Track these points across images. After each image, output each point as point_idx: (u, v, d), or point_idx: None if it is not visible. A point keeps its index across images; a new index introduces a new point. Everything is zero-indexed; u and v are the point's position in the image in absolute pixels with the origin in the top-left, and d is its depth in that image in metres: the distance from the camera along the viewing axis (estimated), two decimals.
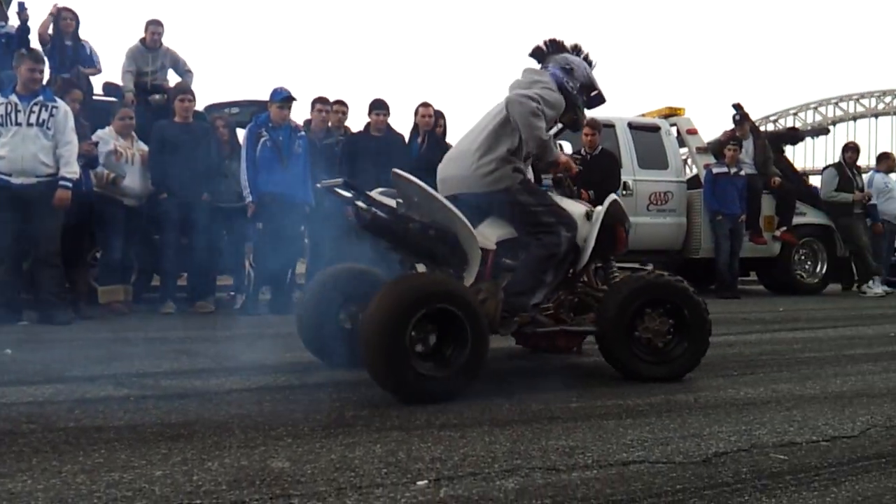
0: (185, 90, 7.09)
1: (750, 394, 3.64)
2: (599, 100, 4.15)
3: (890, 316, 7.39)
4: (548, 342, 4.11)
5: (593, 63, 4.14)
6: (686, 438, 2.83)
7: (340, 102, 7.83)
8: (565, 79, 3.99)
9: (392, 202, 3.67)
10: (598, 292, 4.09)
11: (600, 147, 8.54)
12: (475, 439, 2.74)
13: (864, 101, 62.00)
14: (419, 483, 2.26)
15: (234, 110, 8.69)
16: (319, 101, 7.39)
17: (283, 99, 6.63)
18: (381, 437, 2.74)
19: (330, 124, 7.61)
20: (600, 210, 3.94)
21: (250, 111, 8.12)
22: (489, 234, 3.80)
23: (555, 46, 4.12)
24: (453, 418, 3.04)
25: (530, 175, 4.09)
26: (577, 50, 4.14)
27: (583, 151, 8.54)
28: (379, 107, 7.56)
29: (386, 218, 3.63)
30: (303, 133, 6.84)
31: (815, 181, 11.98)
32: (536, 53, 4.12)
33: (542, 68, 4.06)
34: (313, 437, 2.75)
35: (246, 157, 6.53)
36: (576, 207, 3.98)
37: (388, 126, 7.67)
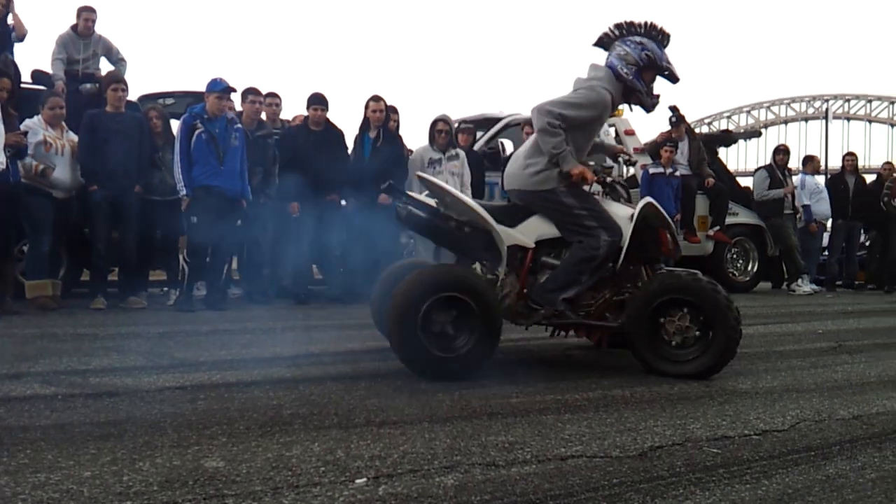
0: (117, 79, 6.85)
1: (684, 389, 3.71)
2: (671, 79, 4.20)
3: (817, 314, 7.65)
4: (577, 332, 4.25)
5: (665, 40, 4.17)
6: (622, 433, 2.87)
7: (274, 95, 7.70)
8: (619, 65, 4.08)
9: (433, 202, 4.04)
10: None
11: None
12: (415, 436, 2.73)
13: (795, 106, 64.21)
14: (357, 481, 2.24)
15: (169, 101, 8.47)
16: (252, 93, 7.23)
17: (223, 90, 6.48)
18: (320, 436, 2.70)
19: (264, 117, 7.46)
20: (634, 213, 4.03)
21: (186, 102, 7.93)
22: (529, 233, 4.04)
23: (623, 29, 4.16)
24: (393, 415, 3.02)
25: None
26: (649, 29, 4.15)
27: None
28: (317, 101, 7.47)
29: (423, 217, 4.03)
30: (239, 125, 6.69)
31: (746, 182, 12.32)
32: (601, 41, 4.20)
33: (608, 57, 4.14)
34: (249, 435, 2.69)
35: (180, 149, 6.35)
36: (622, 211, 4.08)
37: (327, 121, 7.58)
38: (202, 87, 6.72)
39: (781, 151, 10.80)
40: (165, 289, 7.42)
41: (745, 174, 22.44)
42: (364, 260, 7.08)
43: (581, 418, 3.07)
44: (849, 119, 62.87)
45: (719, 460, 2.57)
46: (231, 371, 3.83)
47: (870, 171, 17.48)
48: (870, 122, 63.51)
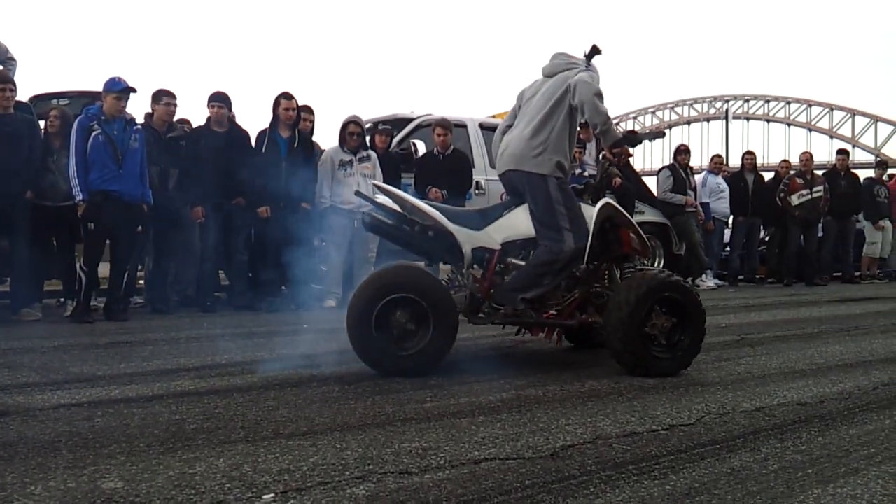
0: (5, 79, 6.46)
1: (594, 386, 3.76)
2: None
3: (721, 308, 7.91)
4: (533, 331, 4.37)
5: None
6: (535, 433, 2.87)
7: (169, 94, 7.38)
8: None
9: (398, 207, 4.12)
10: (611, 290, 4.24)
11: (452, 147, 8.62)
12: (325, 447, 2.65)
13: (697, 106, 66.77)
14: (265, 497, 2.15)
15: (64, 101, 8.06)
16: (166, 95, 6.95)
17: (122, 90, 6.19)
18: (225, 451, 2.60)
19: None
20: (593, 214, 4.11)
21: (81, 103, 7.55)
22: (496, 235, 4.17)
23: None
24: (303, 426, 2.93)
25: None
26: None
27: (435, 151, 8.61)
28: (217, 99, 7.23)
29: (388, 223, 4.17)
30: (139, 126, 6.41)
31: (651, 182, 12.66)
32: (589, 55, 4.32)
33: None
34: (150, 453, 2.56)
35: (76, 152, 6.01)
36: (588, 212, 4.17)
37: (231, 121, 7.37)
38: (99, 87, 6.42)
39: (683, 151, 11.14)
40: (62, 299, 7.06)
41: (650, 174, 23.10)
42: (278, 267, 6.93)
43: (495, 420, 3.06)
44: (748, 119, 65.81)
45: (629, 457, 2.60)
46: (131, 385, 3.65)
47: (768, 169, 18.27)
48: (768, 121, 66.65)
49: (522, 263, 4.23)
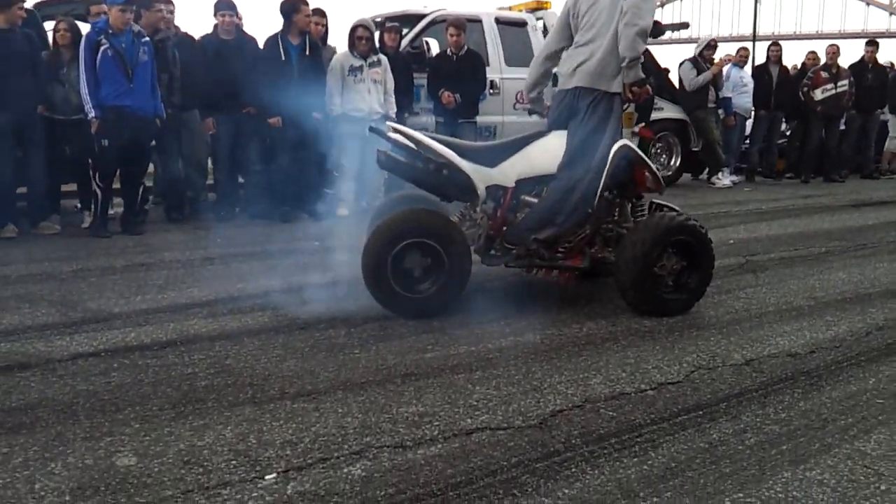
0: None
1: (592, 330, 3.88)
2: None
3: (732, 215, 7.94)
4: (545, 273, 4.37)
5: None
6: (527, 394, 3.02)
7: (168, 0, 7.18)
8: None
9: (412, 144, 4.10)
10: (624, 229, 4.33)
11: (466, 47, 8.41)
12: (328, 412, 2.81)
13: None
14: (267, 478, 2.32)
15: (69, 7, 7.89)
16: (160, 0, 6.80)
17: (124, 2, 6.04)
18: (233, 416, 2.76)
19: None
20: (609, 156, 4.12)
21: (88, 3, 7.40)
22: (510, 172, 4.18)
23: None
24: (308, 384, 3.09)
25: None
26: None
27: (448, 51, 8.41)
28: (225, 7, 7.05)
29: (402, 160, 4.17)
30: (147, 38, 6.31)
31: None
32: None
33: None
34: (161, 419, 2.73)
35: (85, 68, 5.96)
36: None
37: (238, 28, 7.21)
38: None
39: (712, 47, 10.74)
40: (78, 205, 7.17)
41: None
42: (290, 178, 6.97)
43: (491, 376, 3.20)
44: None
45: (613, 426, 2.74)
46: (146, 327, 3.81)
47: (801, 37, 17.52)
48: None
49: (535, 201, 4.26)
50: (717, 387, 3.13)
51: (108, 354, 3.41)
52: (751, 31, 29.34)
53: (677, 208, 4.47)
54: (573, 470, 2.42)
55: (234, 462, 2.42)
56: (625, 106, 4.27)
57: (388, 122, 4.61)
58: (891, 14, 66.17)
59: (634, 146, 4.28)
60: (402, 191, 4.85)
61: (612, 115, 4.20)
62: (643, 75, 4.16)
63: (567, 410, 2.86)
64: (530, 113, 4.85)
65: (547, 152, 4.27)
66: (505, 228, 4.24)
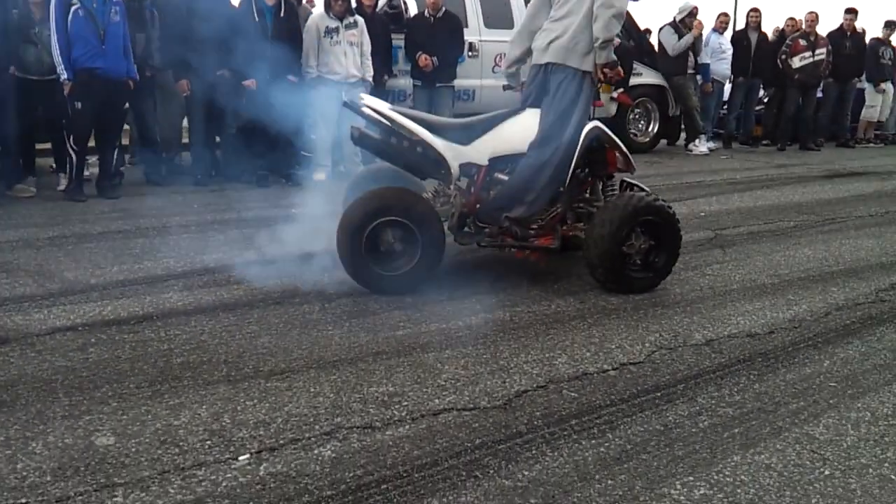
0: None
1: (560, 307, 3.98)
2: None
3: (706, 185, 8.06)
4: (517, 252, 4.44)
5: None
6: (494, 373, 3.12)
7: None
8: None
9: (386, 121, 4.11)
10: (595, 207, 4.40)
11: (444, 9, 8.36)
12: (300, 391, 2.90)
13: None
14: (241, 459, 2.42)
15: None
16: None
17: None
18: (208, 395, 2.85)
19: None
20: (580, 138, 4.18)
21: None
22: (483, 150, 4.23)
23: None
24: (281, 362, 3.17)
25: None
26: None
27: (426, 13, 8.36)
28: None
29: (376, 138, 4.21)
30: None
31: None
32: None
33: None
34: (139, 397, 2.81)
35: (56, 29, 5.89)
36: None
37: None
38: None
39: (693, 15, 10.71)
40: (53, 166, 7.13)
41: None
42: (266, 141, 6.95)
43: (460, 355, 3.30)
44: None
45: (574, 407, 2.86)
46: (123, 300, 3.87)
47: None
48: None
49: (507, 178, 4.31)
50: (677, 368, 3.26)
51: (85, 329, 3.47)
52: None
53: (647, 188, 4.56)
54: (533, 452, 2.53)
55: (208, 442, 2.51)
56: (597, 85, 4.31)
57: (361, 96, 4.60)
58: None
59: (605, 128, 4.34)
60: (377, 162, 4.88)
61: (582, 94, 4.23)
62: (615, 57, 4.20)
63: (531, 391, 2.98)
64: (505, 88, 4.88)
65: (521, 130, 4.32)
66: (478, 206, 4.31)
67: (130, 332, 3.45)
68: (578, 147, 4.19)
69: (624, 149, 4.41)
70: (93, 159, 6.89)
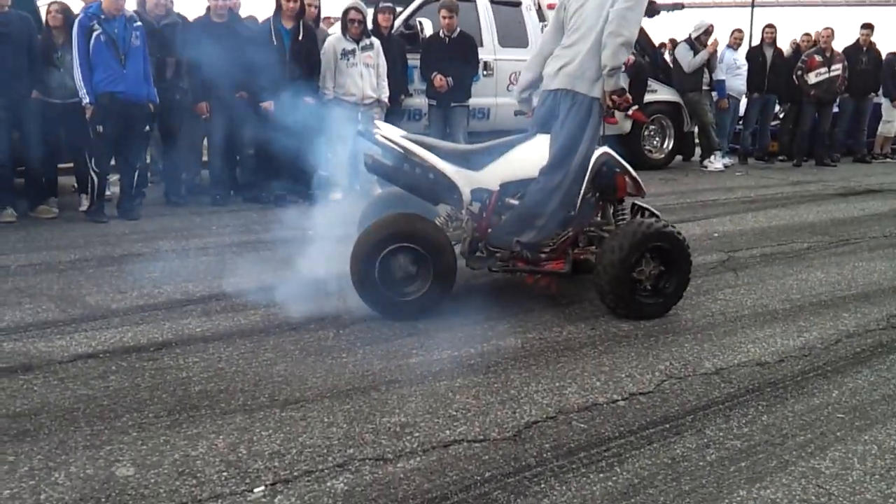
0: None
1: (571, 333, 4.03)
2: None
3: (720, 204, 8.07)
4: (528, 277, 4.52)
5: None
6: (505, 403, 3.17)
7: None
8: None
9: (399, 147, 4.19)
10: (605, 231, 4.49)
11: (458, 29, 8.45)
12: (314, 421, 2.97)
13: None
14: (255, 491, 2.49)
15: None
16: None
17: None
18: (225, 424, 2.92)
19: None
20: (590, 164, 4.27)
21: None
22: (494, 175, 4.30)
23: None
24: (296, 390, 3.24)
25: None
26: None
27: (441, 34, 8.45)
28: None
29: (388, 165, 4.29)
30: (139, 23, 6.36)
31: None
32: None
33: None
34: (158, 426, 2.89)
35: (79, 54, 6.04)
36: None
37: (231, 11, 7.25)
38: None
39: (709, 33, 10.71)
40: (75, 185, 7.27)
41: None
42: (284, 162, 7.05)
43: (471, 384, 3.36)
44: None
45: (584, 439, 2.90)
46: (143, 326, 3.96)
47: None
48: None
49: (518, 203, 4.37)
50: (686, 398, 3.29)
51: (106, 356, 3.56)
52: None
53: (657, 213, 4.60)
54: (542, 486, 2.58)
55: (225, 474, 2.58)
56: (605, 111, 4.36)
57: (376, 123, 4.68)
58: None
59: (614, 153, 4.40)
60: (391, 187, 4.96)
61: (591, 120, 4.27)
62: (623, 84, 4.25)
63: (541, 422, 3.02)
64: (516, 113, 4.95)
65: (531, 156, 4.38)
66: (489, 231, 4.38)
67: (150, 360, 3.54)
68: (588, 172, 4.25)
69: (633, 173, 4.47)
70: (114, 178, 7.04)
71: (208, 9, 7.16)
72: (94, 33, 6.08)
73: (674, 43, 11.98)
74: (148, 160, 7.55)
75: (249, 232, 6.13)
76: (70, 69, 6.27)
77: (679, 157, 11.47)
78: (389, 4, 8.51)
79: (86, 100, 6.10)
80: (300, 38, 7.21)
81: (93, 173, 6.33)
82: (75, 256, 5.26)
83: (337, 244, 4.77)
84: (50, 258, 5.20)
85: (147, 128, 6.56)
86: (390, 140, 4.24)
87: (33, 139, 6.37)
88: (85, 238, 5.83)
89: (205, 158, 7.94)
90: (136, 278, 4.78)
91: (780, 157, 12.11)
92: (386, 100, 7.75)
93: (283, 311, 4.22)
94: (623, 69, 4.24)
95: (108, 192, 6.82)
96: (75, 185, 7.30)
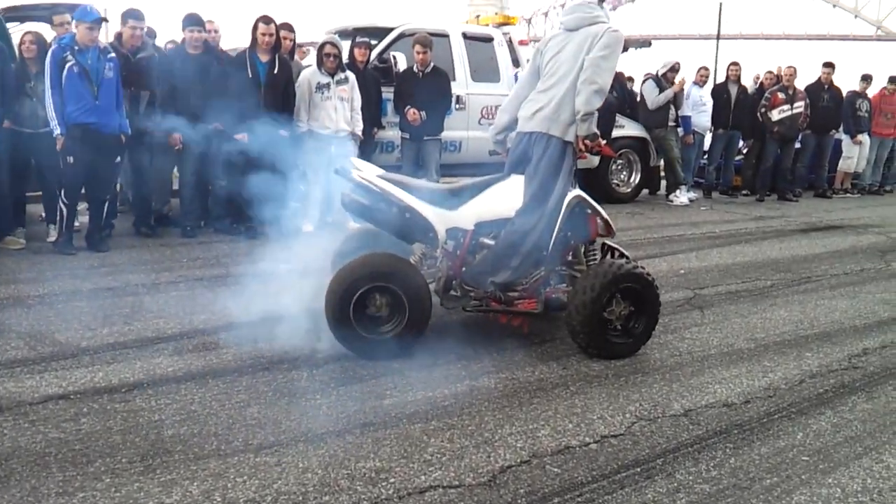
0: None
1: (543, 373, 4.08)
2: None
3: (686, 239, 8.22)
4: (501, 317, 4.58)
5: None
6: (479, 447, 3.21)
7: (137, 16, 7.17)
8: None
9: (375, 187, 4.24)
10: (577, 271, 4.56)
11: (432, 64, 8.56)
12: (289, 466, 2.97)
13: None
14: None
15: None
16: (132, 17, 6.83)
17: (94, 21, 6.09)
18: (199, 470, 2.91)
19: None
20: (562, 207, 4.35)
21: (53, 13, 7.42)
22: (469, 215, 4.37)
23: None
24: (270, 434, 3.24)
25: None
26: None
27: (415, 68, 8.55)
28: (192, 23, 7.13)
29: (365, 203, 4.31)
30: (113, 55, 6.35)
31: None
32: None
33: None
34: (131, 472, 2.87)
35: (51, 84, 6.01)
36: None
37: (206, 43, 7.27)
38: None
39: (675, 70, 10.95)
40: (43, 215, 7.19)
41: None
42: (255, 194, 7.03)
43: (446, 427, 3.38)
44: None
45: (557, 483, 2.94)
46: (114, 365, 3.93)
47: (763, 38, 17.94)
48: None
49: (492, 243, 4.44)
50: (656, 441, 3.35)
51: (77, 397, 3.53)
52: (715, 30, 29.73)
53: (627, 253, 4.69)
54: None
55: None
56: (577, 155, 4.45)
57: (352, 161, 4.70)
58: (856, 16, 67.82)
59: (587, 196, 4.50)
60: (365, 225, 4.99)
61: (564, 163, 4.37)
62: (596, 130, 4.36)
63: (515, 466, 3.06)
64: (490, 153, 5.03)
65: (505, 197, 4.46)
66: (464, 269, 4.43)
67: (122, 402, 3.51)
68: (561, 214, 4.34)
69: (605, 214, 4.56)
70: (82, 207, 6.97)
71: (184, 40, 7.17)
72: (68, 64, 6.05)
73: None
74: (118, 190, 7.48)
75: (219, 265, 6.11)
76: (42, 99, 6.23)
77: (646, 191, 11.66)
78: (366, 39, 8.61)
79: (57, 130, 6.05)
80: (275, 70, 7.24)
81: (62, 204, 6.27)
82: (44, 290, 5.20)
83: (308, 277, 4.79)
84: (18, 292, 5.13)
85: (118, 159, 6.51)
86: (367, 180, 4.29)
87: (3, 169, 6.30)
88: (53, 271, 5.76)
89: (175, 187, 7.92)
90: (107, 314, 4.74)
91: (744, 192, 12.38)
92: (360, 133, 7.81)
93: (256, 349, 4.22)
94: (595, 113, 4.34)
95: (76, 223, 6.74)
96: (42, 214, 7.22)
